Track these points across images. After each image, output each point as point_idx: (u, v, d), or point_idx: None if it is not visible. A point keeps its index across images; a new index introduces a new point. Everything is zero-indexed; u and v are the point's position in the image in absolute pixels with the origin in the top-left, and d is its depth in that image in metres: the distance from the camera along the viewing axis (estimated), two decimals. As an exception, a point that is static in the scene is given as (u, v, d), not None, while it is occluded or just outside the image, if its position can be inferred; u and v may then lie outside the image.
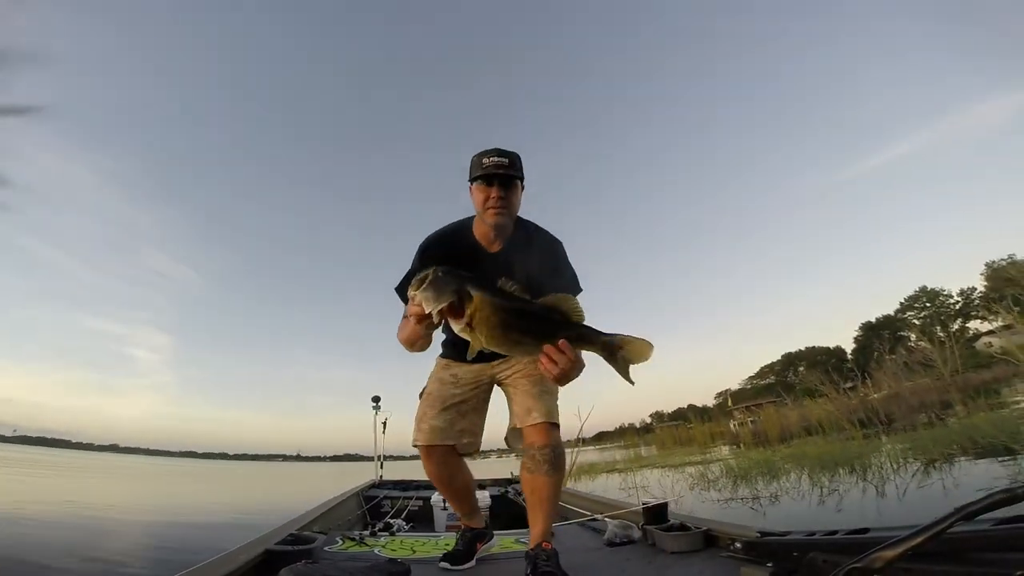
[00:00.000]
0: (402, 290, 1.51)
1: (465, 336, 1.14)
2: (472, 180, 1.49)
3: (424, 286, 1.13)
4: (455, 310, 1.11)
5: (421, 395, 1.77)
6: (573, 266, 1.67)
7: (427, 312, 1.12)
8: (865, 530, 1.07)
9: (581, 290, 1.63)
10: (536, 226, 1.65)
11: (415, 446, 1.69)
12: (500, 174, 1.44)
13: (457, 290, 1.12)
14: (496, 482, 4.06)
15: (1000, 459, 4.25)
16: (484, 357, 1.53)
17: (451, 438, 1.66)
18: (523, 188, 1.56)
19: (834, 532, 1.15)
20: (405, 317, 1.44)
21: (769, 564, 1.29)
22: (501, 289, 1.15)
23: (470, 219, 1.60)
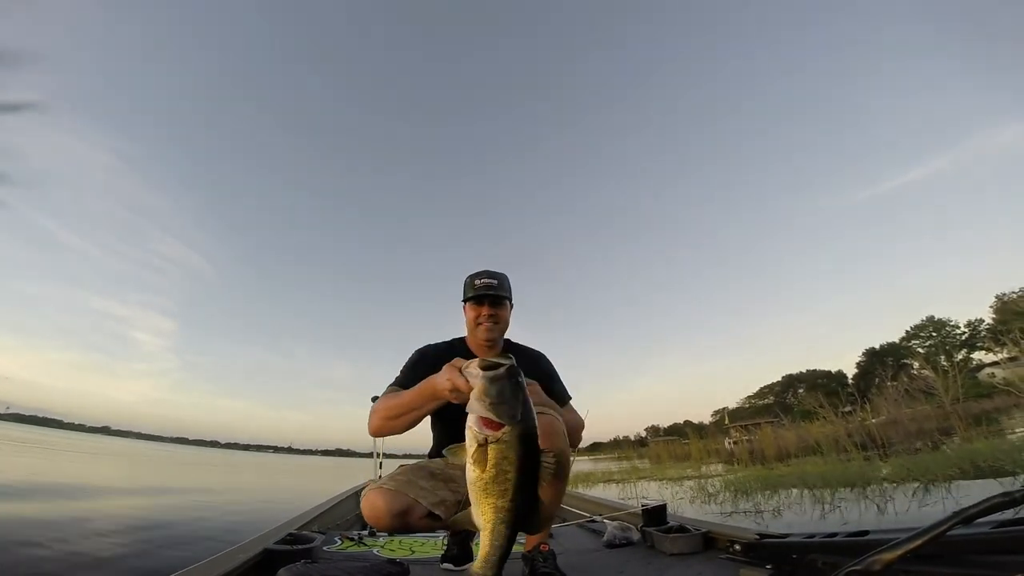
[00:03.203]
0: (410, 371, 1.59)
1: (468, 442, 0.96)
2: (465, 300, 1.69)
3: (498, 373, 0.96)
4: (491, 421, 0.93)
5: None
6: (559, 374, 1.78)
7: (464, 392, 1.01)
8: (864, 532, 1.09)
9: (571, 397, 1.74)
10: (520, 344, 1.83)
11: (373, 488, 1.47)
12: (490, 295, 1.62)
13: (524, 404, 0.95)
14: None
15: (999, 479, 4.29)
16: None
17: (424, 498, 1.43)
18: (511, 306, 1.73)
19: (834, 534, 1.18)
20: (393, 387, 1.50)
21: (768, 566, 1.32)
22: (542, 451, 0.98)
23: (462, 337, 1.76)
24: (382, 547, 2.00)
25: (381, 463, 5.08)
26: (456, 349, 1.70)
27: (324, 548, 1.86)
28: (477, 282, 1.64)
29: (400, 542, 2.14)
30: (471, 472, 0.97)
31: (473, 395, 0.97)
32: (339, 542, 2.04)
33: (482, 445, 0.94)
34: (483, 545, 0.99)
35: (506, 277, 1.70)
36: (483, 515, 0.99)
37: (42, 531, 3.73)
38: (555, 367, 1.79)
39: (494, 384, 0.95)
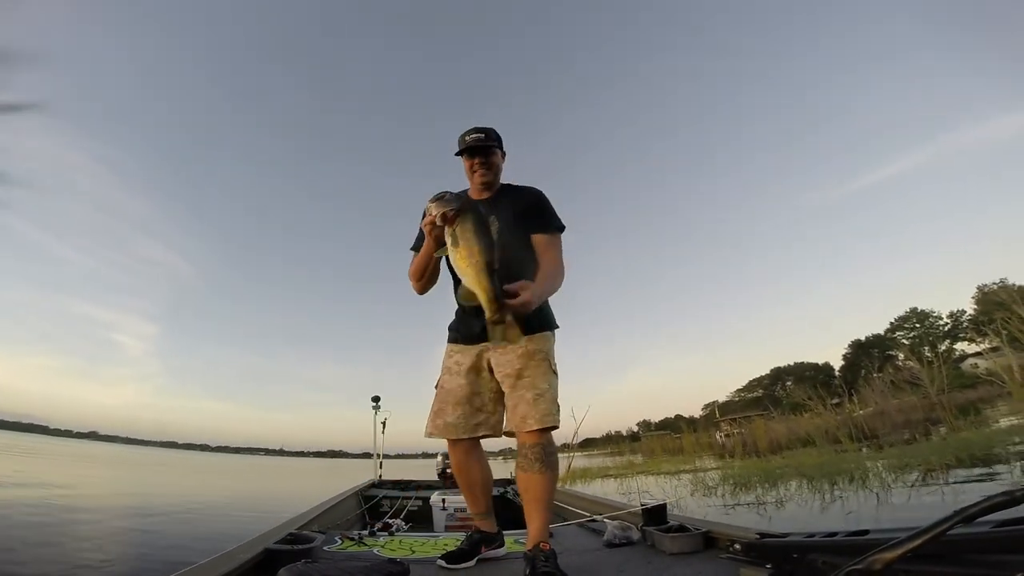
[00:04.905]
0: (417, 244, 1.85)
1: (447, 237, 1.39)
2: (457, 154, 1.85)
3: (440, 197, 1.42)
4: (450, 216, 1.36)
5: (437, 386, 1.84)
6: (555, 209, 1.89)
7: (434, 217, 1.39)
8: (865, 532, 1.09)
9: (564, 227, 1.83)
10: (519, 183, 1.96)
11: (427, 437, 1.79)
12: (477, 146, 1.78)
13: (462, 202, 1.40)
14: (496, 482, 4.06)
15: (993, 468, 4.41)
16: (473, 337, 1.77)
17: (466, 432, 1.74)
18: (504, 154, 1.89)
19: (834, 534, 1.18)
20: (413, 249, 1.81)
21: (768, 566, 1.32)
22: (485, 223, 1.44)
23: (466, 188, 1.94)
24: (382, 547, 1.98)
25: (381, 463, 5.07)
26: (460, 197, 1.84)
27: (324, 548, 1.84)
28: (467, 137, 1.79)
29: (400, 542, 2.12)
30: (451, 255, 1.38)
31: (431, 208, 1.39)
32: (339, 542, 2.02)
33: (451, 236, 1.37)
34: (479, 293, 1.32)
35: (493, 130, 1.84)
36: (468, 276, 1.34)
37: (40, 535, 3.68)
38: (549, 201, 1.88)
39: (437, 194, 1.42)
